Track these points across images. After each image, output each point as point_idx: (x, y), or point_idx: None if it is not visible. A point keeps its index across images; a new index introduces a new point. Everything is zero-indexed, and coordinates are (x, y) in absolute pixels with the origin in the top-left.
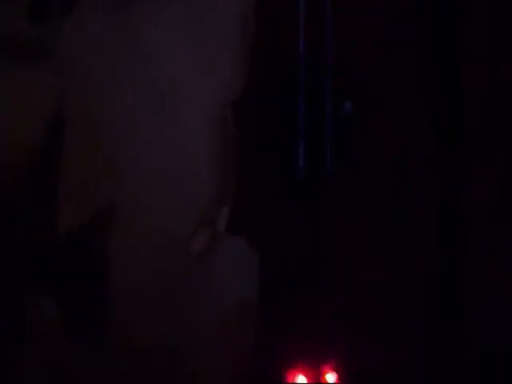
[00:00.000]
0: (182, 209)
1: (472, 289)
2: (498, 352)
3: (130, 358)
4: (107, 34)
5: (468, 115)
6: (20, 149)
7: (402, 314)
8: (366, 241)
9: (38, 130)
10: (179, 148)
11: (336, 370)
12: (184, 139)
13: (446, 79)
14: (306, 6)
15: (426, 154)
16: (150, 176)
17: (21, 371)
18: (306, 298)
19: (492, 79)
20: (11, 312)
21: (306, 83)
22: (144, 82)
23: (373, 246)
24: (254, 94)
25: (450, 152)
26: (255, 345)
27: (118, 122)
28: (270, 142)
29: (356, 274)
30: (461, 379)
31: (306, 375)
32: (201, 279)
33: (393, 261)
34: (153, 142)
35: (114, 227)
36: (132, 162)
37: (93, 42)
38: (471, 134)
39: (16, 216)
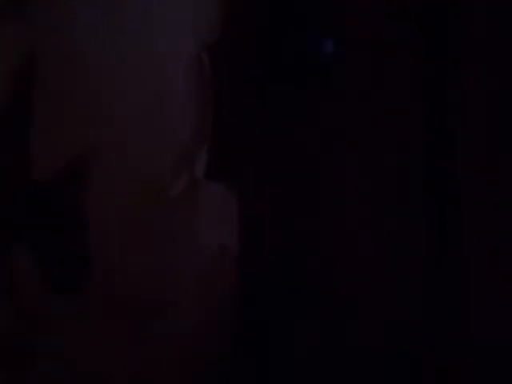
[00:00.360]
0: (157, 154)
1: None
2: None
3: (110, 306)
4: None
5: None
6: None
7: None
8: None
9: (10, 74)
10: (154, 90)
11: None
12: (159, 81)
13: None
14: None
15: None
16: (124, 121)
17: None
18: (289, 248)
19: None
20: None
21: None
22: (118, 22)
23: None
24: (234, 33)
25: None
26: (236, 294)
27: (92, 62)
28: (249, 84)
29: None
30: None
31: None
32: (179, 226)
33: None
34: (127, 86)
35: (89, 174)
36: (106, 107)
37: None
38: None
39: None
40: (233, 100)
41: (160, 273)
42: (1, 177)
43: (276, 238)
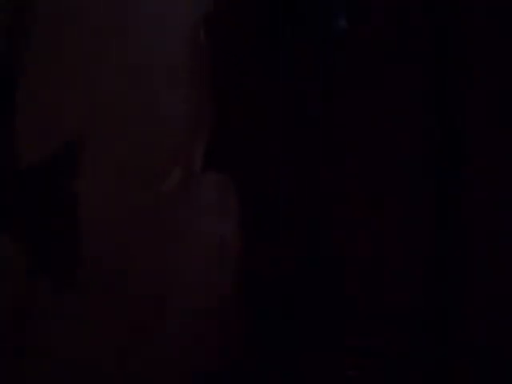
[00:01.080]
0: (149, 145)
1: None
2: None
3: (106, 296)
4: None
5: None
6: None
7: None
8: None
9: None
10: (146, 77)
11: None
12: (151, 69)
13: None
14: None
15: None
16: (116, 108)
17: None
18: (290, 241)
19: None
20: None
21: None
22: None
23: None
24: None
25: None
26: (236, 287)
27: (84, 38)
28: (249, 61)
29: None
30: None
31: None
32: (176, 218)
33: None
34: (117, 71)
35: (81, 160)
36: (97, 94)
37: None
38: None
39: None
40: (231, 85)
41: (158, 267)
42: None
43: (276, 231)
